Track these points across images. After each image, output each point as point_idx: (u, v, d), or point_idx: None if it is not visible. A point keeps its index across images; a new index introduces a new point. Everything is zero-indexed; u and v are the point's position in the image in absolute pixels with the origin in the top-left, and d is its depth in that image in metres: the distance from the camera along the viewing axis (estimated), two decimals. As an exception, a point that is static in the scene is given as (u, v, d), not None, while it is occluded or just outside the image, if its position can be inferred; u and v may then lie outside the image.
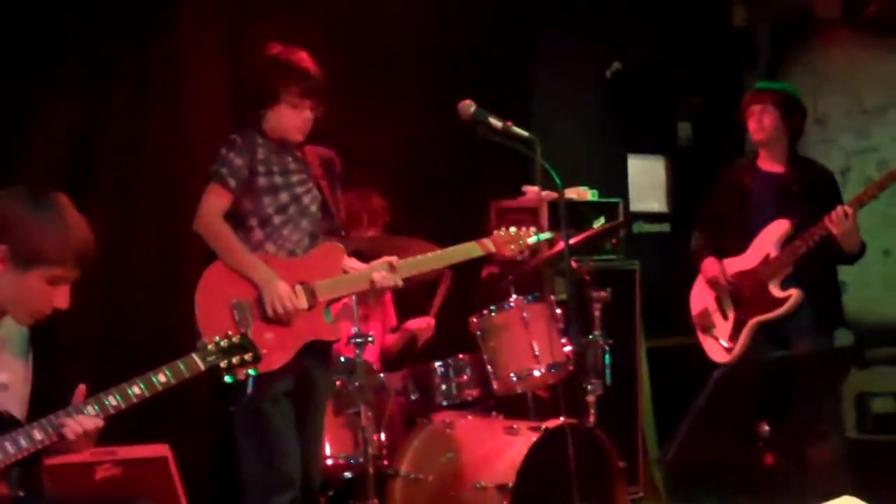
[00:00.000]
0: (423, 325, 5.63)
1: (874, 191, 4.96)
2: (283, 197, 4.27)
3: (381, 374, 5.10)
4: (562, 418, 4.77)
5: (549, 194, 6.16)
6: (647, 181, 7.67)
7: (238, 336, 3.32)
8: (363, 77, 5.91)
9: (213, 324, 4.02)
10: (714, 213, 5.45)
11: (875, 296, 6.92)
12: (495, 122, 4.13)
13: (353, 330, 4.65)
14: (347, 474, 4.94)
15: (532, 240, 4.74)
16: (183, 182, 5.19)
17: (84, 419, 2.99)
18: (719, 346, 5.34)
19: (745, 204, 5.25)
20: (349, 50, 5.83)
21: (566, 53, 7.08)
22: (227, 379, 3.31)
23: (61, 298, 3.10)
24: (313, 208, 4.38)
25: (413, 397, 5.19)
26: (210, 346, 3.26)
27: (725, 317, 5.32)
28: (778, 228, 5.10)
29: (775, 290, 5.08)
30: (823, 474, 4.82)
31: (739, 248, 5.26)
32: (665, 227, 7.59)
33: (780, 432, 3.54)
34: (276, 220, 4.26)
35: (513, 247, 4.69)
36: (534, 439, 4.60)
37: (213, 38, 5.53)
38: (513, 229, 4.73)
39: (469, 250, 4.60)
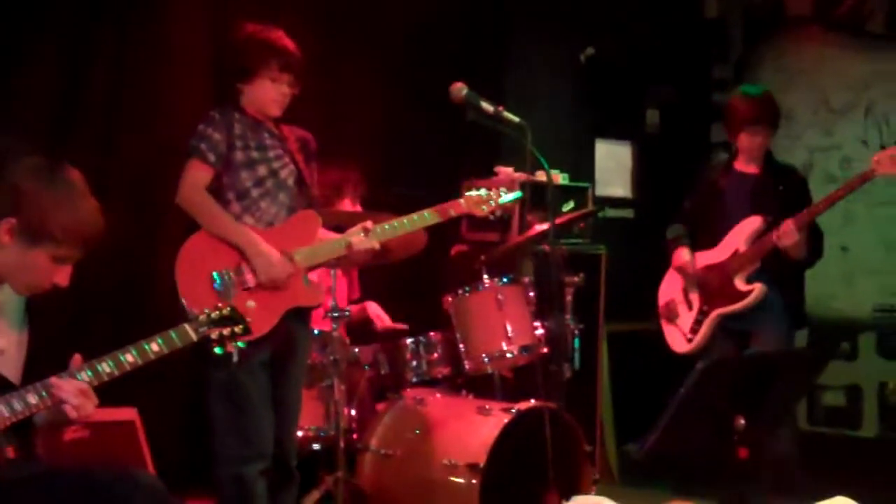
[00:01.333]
0: (383, 320, 5.68)
1: (823, 206, 5.02)
2: (261, 170, 4.30)
3: (356, 349, 5.13)
4: (532, 401, 4.85)
5: (520, 175, 6.22)
6: (614, 166, 7.73)
7: (228, 308, 3.33)
8: (338, 56, 5.91)
9: (195, 294, 4.05)
10: (691, 211, 5.52)
11: (831, 291, 7.04)
12: (487, 107, 4.16)
13: (331, 303, 4.69)
14: (316, 446, 4.98)
15: (503, 200, 4.77)
16: (162, 150, 5.20)
17: (77, 383, 2.99)
18: (681, 335, 5.42)
19: (720, 202, 5.32)
20: (326, 28, 5.83)
21: (541, 37, 7.12)
22: (217, 350, 3.32)
23: (63, 276, 3.10)
24: (290, 182, 4.41)
25: (383, 372, 5.23)
26: (201, 318, 3.26)
27: (690, 307, 5.39)
28: (750, 224, 5.17)
29: (740, 284, 5.15)
30: (775, 466, 4.91)
31: (712, 243, 5.32)
32: (629, 213, 7.66)
33: (752, 427, 3.59)
34: (254, 192, 4.29)
35: (484, 207, 4.73)
36: (506, 420, 4.66)
37: (197, 11, 5.51)
38: (483, 190, 4.77)
39: (442, 212, 4.63)
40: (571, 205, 6.44)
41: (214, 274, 4.12)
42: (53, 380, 2.97)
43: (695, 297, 5.37)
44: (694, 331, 5.32)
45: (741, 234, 5.19)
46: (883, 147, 6.56)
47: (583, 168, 7.30)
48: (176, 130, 5.11)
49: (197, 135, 4.24)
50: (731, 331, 5.26)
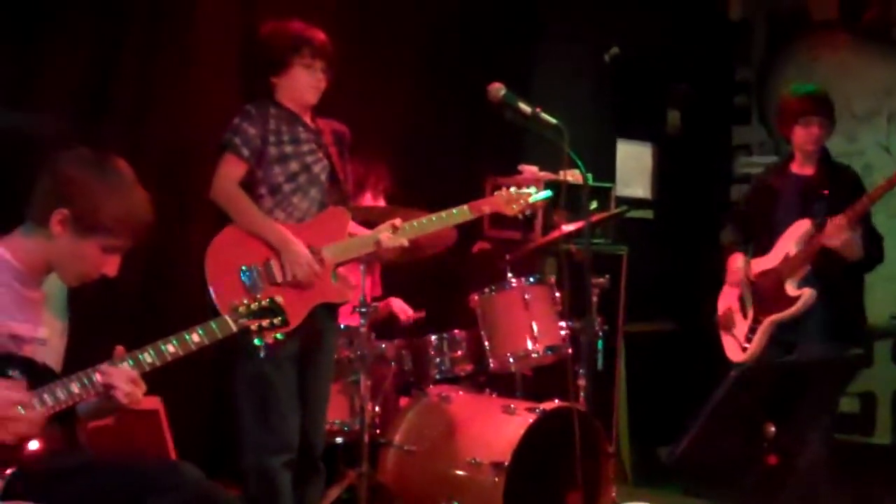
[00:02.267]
0: (407, 312, 5.69)
1: (867, 203, 4.98)
2: (294, 165, 4.33)
3: (383, 345, 5.14)
4: (556, 400, 4.86)
5: (545, 174, 6.22)
6: (634, 167, 7.72)
7: (268, 300, 3.34)
8: (365, 53, 5.90)
9: (223, 287, 4.10)
10: (745, 213, 5.48)
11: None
12: (524, 108, 4.15)
13: (360, 299, 4.70)
14: (339, 440, 5.00)
15: (534, 199, 4.81)
16: (190, 148, 5.23)
17: (127, 370, 3.00)
18: (737, 344, 5.31)
19: (774, 205, 5.27)
20: (354, 26, 5.83)
21: (567, 36, 7.11)
22: (257, 342, 3.33)
23: (112, 267, 3.12)
24: (322, 177, 4.43)
25: (406, 368, 5.24)
26: (241, 309, 3.27)
27: (745, 315, 5.28)
28: (799, 227, 5.09)
29: (790, 289, 5.05)
30: (803, 474, 4.90)
31: (767, 248, 5.27)
32: (648, 214, 7.66)
33: (782, 434, 3.60)
34: (287, 188, 4.32)
35: (514, 206, 4.77)
36: (531, 420, 4.68)
37: (226, 6, 5.52)
38: (513, 189, 4.81)
39: (475, 209, 4.67)
40: (595, 205, 6.44)
41: (243, 268, 4.15)
42: (105, 367, 2.99)
43: (750, 305, 5.27)
44: (749, 339, 5.17)
45: (791, 237, 5.11)
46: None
47: (604, 168, 7.29)
48: (204, 124, 5.15)
49: (231, 128, 4.26)
50: (779, 340, 5.14)
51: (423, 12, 6.29)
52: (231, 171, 4.24)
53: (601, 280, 5.19)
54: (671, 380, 7.19)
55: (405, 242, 4.47)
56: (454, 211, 4.61)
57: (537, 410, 4.75)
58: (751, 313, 5.26)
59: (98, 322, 4.63)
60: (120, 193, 3.07)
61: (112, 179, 3.07)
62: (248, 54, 4.83)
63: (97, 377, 2.97)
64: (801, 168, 5.29)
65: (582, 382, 5.13)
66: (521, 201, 4.77)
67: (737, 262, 5.34)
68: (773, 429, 3.55)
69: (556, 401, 4.86)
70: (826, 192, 5.14)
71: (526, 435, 4.62)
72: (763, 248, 5.30)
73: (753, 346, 5.18)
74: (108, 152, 3.15)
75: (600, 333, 5.27)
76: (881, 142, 7.35)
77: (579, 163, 4.14)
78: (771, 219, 5.29)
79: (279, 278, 4.19)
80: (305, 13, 4.56)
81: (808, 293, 5.01)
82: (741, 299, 5.33)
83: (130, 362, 3.04)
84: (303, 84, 4.36)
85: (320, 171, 4.42)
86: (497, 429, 4.74)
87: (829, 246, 4.93)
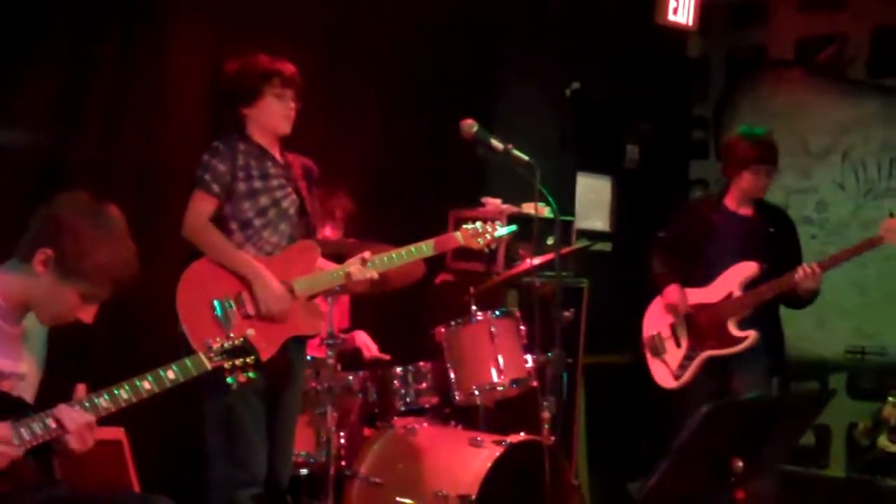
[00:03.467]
0: (371, 349, 5.72)
1: (847, 255, 5.10)
2: (263, 200, 4.35)
3: (350, 377, 5.15)
4: (522, 434, 4.89)
5: (508, 207, 6.28)
6: (593, 200, 7.80)
7: (241, 339, 3.36)
8: (328, 84, 5.92)
9: (195, 321, 4.10)
10: (676, 242, 5.54)
11: (803, 332, 7.11)
12: (496, 144, 4.23)
13: (327, 331, 4.71)
14: (303, 471, 5.00)
15: (499, 233, 4.83)
16: (161, 167, 5.23)
17: (82, 414, 3.00)
18: (667, 371, 5.46)
19: (711, 239, 5.36)
20: (318, 58, 5.85)
21: (529, 71, 7.18)
22: (229, 381, 3.35)
23: (88, 314, 3.14)
24: (291, 211, 4.46)
25: (371, 399, 5.24)
26: (215, 347, 3.30)
27: (678, 344, 5.42)
28: (745, 270, 5.23)
29: (733, 329, 5.22)
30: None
31: (700, 280, 5.37)
32: (607, 247, 7.72)
33: (750, 468, 3.64)
34: (257, 223, 4.34)
35: (479, 240, 4.77)
36: (498, 453, 4.70)
37: (197, 33, 5.54)
38: (479, 223, 4.81)
39: (440, 245, 4.69)
40: (554, 238, 6.48)
41: (215, 302, 4.17)
42: (59, 409, 2.98)
43: (683, 335, 5.40)
44: (683, 368, 5.36)
45: (735, 277, 5.24)
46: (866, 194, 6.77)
47: (564, 201, 7.35)
48: (176, 144, 5.19)
49: (202, 166, 4.29)
50: (712, 370, 5.32)
51: (386, 46, 6.33)
52: (202, 207, 4.26)
53: (567, 313, 5.23)
54: (629, 411, 7.24)
55: (375, 275, 4.48)
56: (423, 246, 4.63)
57: (504, 443, 4.78)
58: (685, 343, 5.36)
59: (79, 355, 4.63)
60: (108, 244, 3.07)
61: (102, 229, 3.07)
62: (217, 87, 4.85)
63: (50, 421, 2.96)
64: (738, 207, 5.38)
65: (546, 415, 5.14)
66: (487, 235, 4.79)
67: (674, 293, 5.42)
68: (740, 464, 3.57)
69: (522, 434, 4.89)
70: (768, 233, 5.25)
71: (493, 468, 4.64)
72: (696, 281, 5.39)
73: (687, 376, 5.31)
74: (104, 200, 3.14)
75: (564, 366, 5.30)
76: (835, 179, 7.49)
77: (550, 199, 4.18)
78: (706, 253, 5.38)
79: (251, 311, 4.21)
80: (272, 46, 4.59)
81: (753, 335, 5.19)
82: (672, 327, 5.41)
83: (106, 396, 3.04)
84: (275, 113, 4.39)
85: (289, 205, 4.44)
86: (463, 461, 4.76)
87: (799, 288, 5.07)
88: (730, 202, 5.40)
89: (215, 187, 4.25)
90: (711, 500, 3.73)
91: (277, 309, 4.22)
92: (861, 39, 7.40)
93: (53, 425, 2.95)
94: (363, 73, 6.28)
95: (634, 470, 6.78)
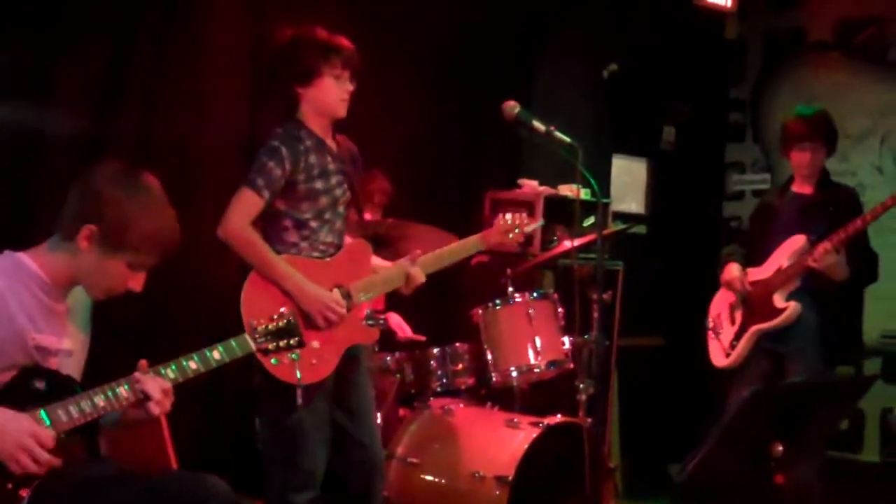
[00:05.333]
0: (405, 331, 5.73)
1: (859, 226, 5.06)
2: (323, 201, 4.13)
3: (388, 357, 5.16)
4: (559, 415, 4.90)
5: (545, 189, 6.27)
6: (629, 182, 7.78)
7: (285, 321, 3.33)
8: (365, 65, 5.91)
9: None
10: (747, 232, 5.64)
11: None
12: (539, 126, 4.20)
13: (366, 311, 4.70)
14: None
15: (528, 229, 4.82)
16: (201, 145, 5.25)
17: (161, 381, 3.02)
18: (721, 350, 5.45)
19: (772, 222, 5.38)
20: (355, 38, 5.84)
21: (567, 52, 7.17)
22: (273, 362, 3.33)
23: (137, 282, 3.12)
24: (342, 209, 4.26)
25: (407, 380, 5.25)
26: (260, 328, 3.27)
27: (733, 322, 5.43)
28: (794, 242, 5.20)
29: (778, 301, 5.19)
30: (800, 492, 4.94)
31: (762, 261, 5.37)
32: (642, 229, 7.70)
33: (790, 453, 3.64)
34: (314, 224, 4.14)
35: (511, 235, 4.76)
36: (535, 435, 4.71)
37: (234, 11, 5.55)
38: (508, 217, 4.78)
39: (483, 240, 4.67)
40: (592, 220, 6.48)
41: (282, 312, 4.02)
42: (139, 376, 3.00)
43: (738, 313, 5.41)
44: (733, 346, 5.36)
45: (786, 251, 5.23)
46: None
47: (599, 183, 7.31)
48: (216, 122, 5.20)
49: (257, 167, 4.02)
50: (766, 350, 5.30)
51: (424, 27, 6.31)
52: (246, 209, 4.00)
53: (605, 296, 5.22)
54: (663, 394, 7.24)
55: (423, 278, 4.39)
56: (469, 243, 4.60)
57: (541, 425, 4.78)
58: (739, 320, 5.37)
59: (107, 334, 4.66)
60: (149, 212, 3.06)
61: (142, 197, 3.06)
62: (268, 60, 4.49)
63: (126, 389, 2.97)
64: (801, 188, 5.39)
65: (583, 397, 5.14)
66: (517, 230, 4.75)
67: (732, 269, 5.44)
68: (780, 448, 3.57)
69: (559, 416, 4.89)
70: (827, 209, 5.22)
71: (530, 449, 4.65)
72: (759, 261, 5.40)
73: (737, 353, 5.31)
74: (141, 169, 3.14)
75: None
76: (874, 162, 7.44)
77: (592, 181, 4.18)
78: (768, 234, 5.39)
79: (321, 324, 4.05)
80: (310, 22, 4.49)
81: (793, 306, 5.13)
82: (731, 305, 5.42)
83: (162, 372, 3.06)
84: (333, 97, 4.13)
85: (344, 202, 4.25)
86: (500, 443, 4.77)
87: (815, 268, 5.04)
88: (794, 185, 5.42)
89: (266, 192, 3.99)
90: (751, 483, 3.73)
91: (329, 316, 4.05)
92: (899, 22, 7.34)
93: (128, 392, 2.96)
94: (401, 55, 6.25)
95: (667, 453, 6.81)
